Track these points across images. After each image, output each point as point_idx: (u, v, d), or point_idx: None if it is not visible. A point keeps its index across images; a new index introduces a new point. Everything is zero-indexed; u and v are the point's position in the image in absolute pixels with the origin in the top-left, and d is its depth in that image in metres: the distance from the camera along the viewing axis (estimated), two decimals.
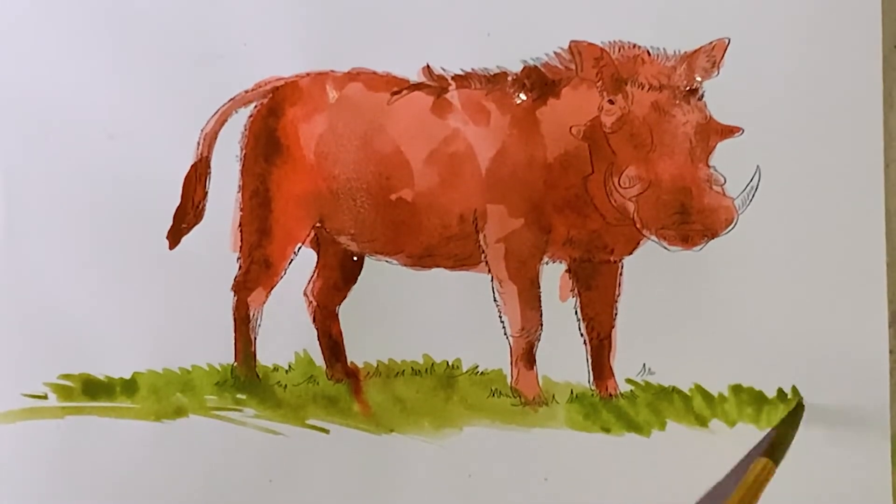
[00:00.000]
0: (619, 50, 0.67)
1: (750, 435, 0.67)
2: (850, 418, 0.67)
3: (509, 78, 0.68)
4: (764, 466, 0.63)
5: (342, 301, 0.69)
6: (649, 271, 0.68)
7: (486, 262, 0.69)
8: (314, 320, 0.70)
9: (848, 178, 0.68)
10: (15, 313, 0.69)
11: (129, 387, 0.69)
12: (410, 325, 0.68)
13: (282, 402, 0.69)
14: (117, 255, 0.69)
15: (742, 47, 0.68)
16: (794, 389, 0.67)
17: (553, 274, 0.69)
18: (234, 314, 0.69)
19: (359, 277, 0.70)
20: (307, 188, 0.69)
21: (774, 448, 0.65)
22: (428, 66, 0.69)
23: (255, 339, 0.69)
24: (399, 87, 0.69)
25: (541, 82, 0.68)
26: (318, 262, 0.70)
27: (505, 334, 0.68)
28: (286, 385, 0.69)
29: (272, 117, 0.69)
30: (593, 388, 0.68)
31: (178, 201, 0.69)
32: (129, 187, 0.69)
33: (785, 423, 0.66)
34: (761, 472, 0.63)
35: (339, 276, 0.70)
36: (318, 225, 0.69)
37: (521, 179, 0.68)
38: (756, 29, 0.68)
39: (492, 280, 0.69)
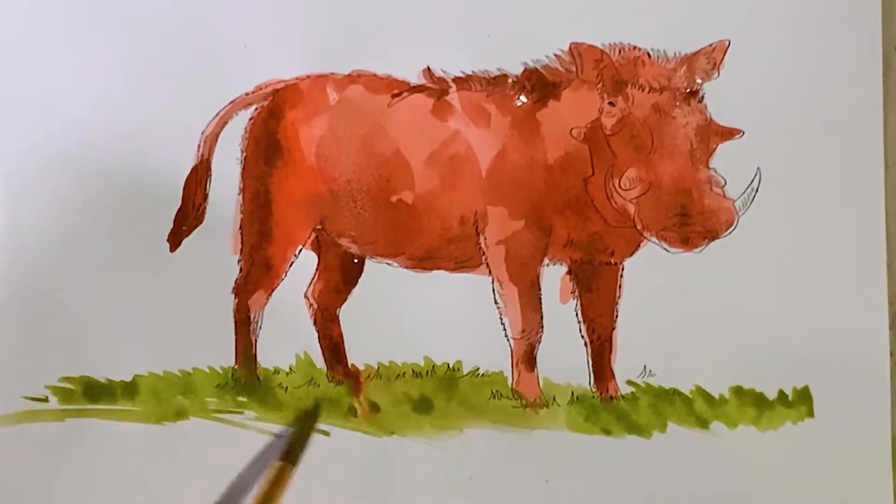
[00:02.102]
0: (620, 52, 0.67)
1: (751, 437, 0.67)
2: (851, 419, 0.67)
3: (510, 80, 0.68)
4: (281, 469, 0.64)
5: (343, 303, 0.69)
6: (650, 273, 0.68)
7: (487, 264, 0.69)
8: (315, 322, 0.70)
9: (848, 179, 0.68)
10: (15, 316, 0.69)
11: (129, 389, 0.69)
12: (411, 327, 0.68)
13: (283, 405, 0.69)
14: (118, 257, 0.69)
15: (742, 49, 0.68)
16: (795, 390, 0.67)
17: (554, 276, 0.69)
18: (234, 316, 0.69)
19: (359, 279, 0.70)
20: (308, 190, 0.69)
21: (290, 450, 0.66)
22: (428, 68, 0.69)
23: (256, 341, 0.69)
24: (399, 89, 0.69)
25: (541, 84, 0.68)
26: (318, 265, 0.70)
27: (506, 336, 0.69)
28: (287, 387, 0.69)
29: (273, 119, 0.69)
30: (594, 389, 0.68)
31: (178, 204, 0.69)
32: (129, 189, 0.69)
33: (300, 425, 0.67)
34: (278, 475, 0.64)
35: (339, 279, 0.70)
36: (318, 227, 0.69)
37: (521, 181, 0.68)
38: (756, 30, 0.68)
39: (492, 282, 0.69)
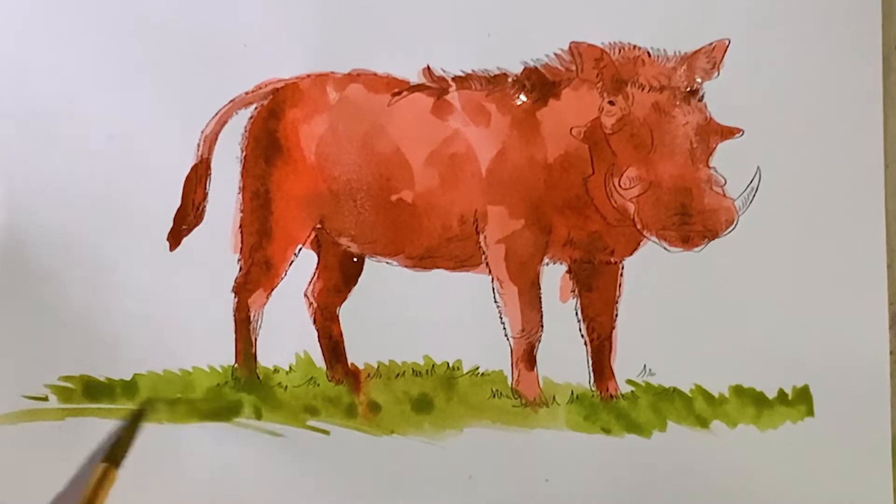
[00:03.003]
0: (620, 51, 0.67)
1: (751, 436, 0.67)
2: (851, 419, 0.67)
3: (510, 79, 0.68)
4: (104, 471, 0.65)
5: (343, 302, 0.69)
6: (650, 272, 0.68)
7: (487, 263, 0.69)
8: (315, 321, 0.70)
9: (848, 178, 0.68)
10: (15, 315, 0.69)
11: (129, 388, 0.69)
12: (411, 326, 0.68)
13: (282, 404, 0.69)
14: (118, 256, 0.69)
15: (742, 48, 0.68)
16: (795, 389, 0.67)
17: (553, 275, 0.69)
18: (234, 315, 0.69)
19: (359, 279, 0.70)
20: (307, 189, 0.69)
21: (114, 452, 0.66)
22: (428, 67, 0.69)
23: (256, 340, 0.69)
24: (399, 88, 0.69)
25: (541, 83, 0.68)
26: (318, 264, 0.70)
27: (505, 335, 0.68)
28: (287, 386, 0.69)
29: (272, 119, 0.69)
30: (594, 389, 0.68)
31: (178, 203, 0.69)
32: (129, 188, 0.69)
33: (126, 426, 0.67)
34: (102, 476, 0.64)
35: (339, 278, 0.70)
36: (318, 226, 0.69)
37: (521, 180, 0.68)
38: (756, 29, 0.68)
39: (492, 281, 0.69)
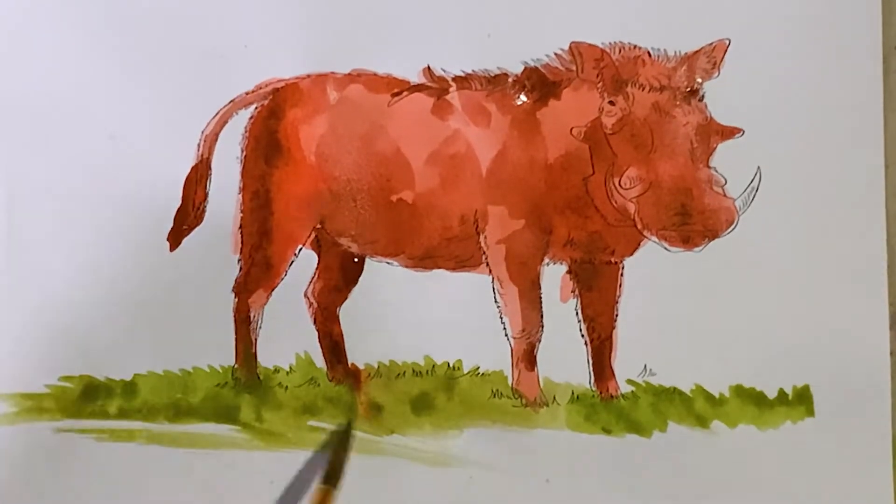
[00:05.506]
0: (620, 51, 0.67)
1: (751, 436, 0.67)
2: (851, 419, 0.67)
3: (510, 79, 0.68)
4: (325, 494, 0.64)
5: (343, 302, 0.69)
6: (650, 272, 0.68)
7: (487, 264, 0.69)
8: (315, 322, 0.70)
9: (848, 179, 0.68)
10: (15, 314, 0.69)
11: (129, 389, 0.69)
12: (411, 326, 0.68)
13: (283, 404, 0.69)
14: (118, 256, 0.69)
15: (742, 48, 0.68)
16: (795, 389, 0.67)
17: (554, 275, 0.69)
18: (234, 316, 0.69)
19: (360, 279, 0.70)
20: (308, 189, 0.69)
21: (331, 474, 0.65)
22: (428, 67, 0.69)
23: (256, 340, 0.69)
24: (400, 88, 0.69)
25: (541, 83, 0.68)
26: (318, 264, 0.70)
27: (506, 335, 0.68)
28: (287, 386, 0.69)
29: (273, 119, 0.69)
30: (594, 389, 0.68)
31: (178, 203, 0.69)
32: (129, 188, 0.69)
33: (338, 448, 0.67)
34: (322, 499, 0.63)
35: (339, 278, 0.70)
36: (318, 226, 0.69)
37: (521, 180, 0.68)
38: (756, 30, 0.68)
39: (492, 281, 0.69)
